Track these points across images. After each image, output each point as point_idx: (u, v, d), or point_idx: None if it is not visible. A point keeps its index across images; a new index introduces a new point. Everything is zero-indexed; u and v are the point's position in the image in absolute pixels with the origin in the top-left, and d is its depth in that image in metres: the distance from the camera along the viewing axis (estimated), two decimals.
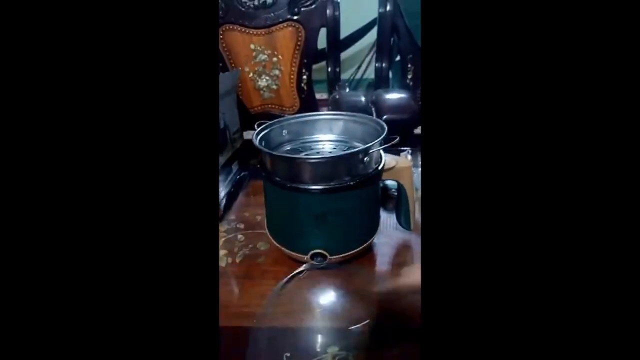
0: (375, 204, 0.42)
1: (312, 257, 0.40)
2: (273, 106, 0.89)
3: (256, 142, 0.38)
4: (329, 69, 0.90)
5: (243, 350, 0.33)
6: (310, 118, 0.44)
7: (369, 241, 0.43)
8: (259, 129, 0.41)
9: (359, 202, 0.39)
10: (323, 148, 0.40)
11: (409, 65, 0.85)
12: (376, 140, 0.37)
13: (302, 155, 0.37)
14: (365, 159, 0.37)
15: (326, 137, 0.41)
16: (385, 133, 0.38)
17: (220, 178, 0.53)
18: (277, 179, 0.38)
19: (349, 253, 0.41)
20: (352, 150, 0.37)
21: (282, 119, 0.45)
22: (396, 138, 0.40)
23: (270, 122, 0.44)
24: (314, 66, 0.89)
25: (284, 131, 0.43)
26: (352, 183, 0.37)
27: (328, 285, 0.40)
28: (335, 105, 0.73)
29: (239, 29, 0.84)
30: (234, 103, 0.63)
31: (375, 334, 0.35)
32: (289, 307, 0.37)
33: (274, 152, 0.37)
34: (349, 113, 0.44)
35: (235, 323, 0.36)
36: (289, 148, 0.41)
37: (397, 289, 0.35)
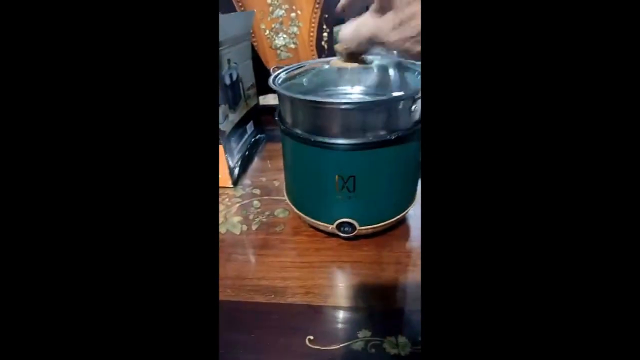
0: (415, 167, 0.35)
1: (339, 227, 0.34)
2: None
3: (274, 84, 0.32)
4: None
5: (259, 329, 0.28)
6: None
7: (406, 211, 0.36)
8: (276, 72, 0.35)
9: (397, 163, 0.32)
10: (349, 97, 0.33)
11: None
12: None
13: (329, 99, 0.30)
14: (412, 107, 0.29)
15: (360, 85, 0.33)
16: None
17: (233, 139, 0.47)
18: (299, 132, 0.32)
19: (382, 224, 0.35)
20: (395, 95, 0.29)
21: (302, 63, 0.38)
22: None
23: (289, 66, 0.37)
24: (335, 28, 0.79)
25: (304, 79, 0.36)
26: (391, 138, 0.30)
27: (355, 260, 0.34)
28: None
29: None
30: (247, 52, 0.55)
31: (414, 318, 0.29)
32: (311, 282, 0.32)
33: (297, 96, 0.30)
34: (390, 56, 0.36)
35: (250, 298, 0.31)
36: (307, 96, 0.34)
37: None
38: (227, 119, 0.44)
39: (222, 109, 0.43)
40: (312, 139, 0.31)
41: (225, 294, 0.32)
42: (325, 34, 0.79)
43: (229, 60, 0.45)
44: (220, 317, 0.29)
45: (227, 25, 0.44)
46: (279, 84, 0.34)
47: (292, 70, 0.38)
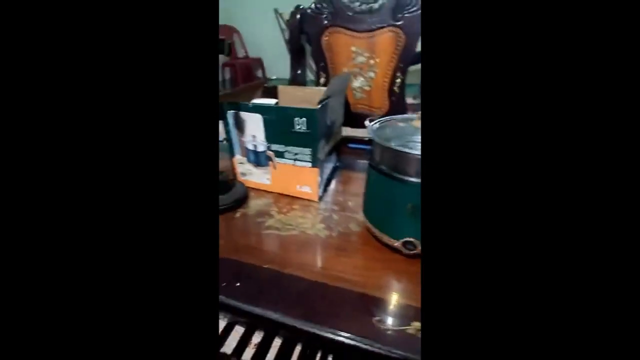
0: None
1: (404, 243, 0.44)
2: (363, 106, 0.95)
3: (371, 134, 0.45)
4: None
5: (337, 306, 0.39)
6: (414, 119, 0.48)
7: None
8: (372, 123, 0.48)
9: None
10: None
11: None
12: None
13: (407, 150, 0.42)
14: None
15: None
16: None
17: (325, 164, 0.62)
18: (383, 168, 0.44)
19: None
20: None
21: (389, 117, 0.51)
22: None
23: (380, 119, 0.50)
24: (411, 68, 0.91)
25: (387, 129, 0.48)
26: None
27: (412, 273, 0.44)
28: None
29: (344, 32, 0.91)
30: (342, 102, 0.72)
31: None
32: (377, 281, 0.43)
33: (387, 144, 0.42)
34: None
35: (332, 283, 0.43)
36: (393, 144, 0.46)
37: None
38: (323, 150, 0.59)
39: (322, 142, 0.58)
40: (394, 174, 0.43)
41: (316, 277, 0.44)
42: (398, 80, 0.91)
43: (331, 108, 0.61)
44: (315, 293, 0.41)
45: (334, 84, 0.60)
46: (374, 131, 0.46)
47: (384, 122, 0.50)
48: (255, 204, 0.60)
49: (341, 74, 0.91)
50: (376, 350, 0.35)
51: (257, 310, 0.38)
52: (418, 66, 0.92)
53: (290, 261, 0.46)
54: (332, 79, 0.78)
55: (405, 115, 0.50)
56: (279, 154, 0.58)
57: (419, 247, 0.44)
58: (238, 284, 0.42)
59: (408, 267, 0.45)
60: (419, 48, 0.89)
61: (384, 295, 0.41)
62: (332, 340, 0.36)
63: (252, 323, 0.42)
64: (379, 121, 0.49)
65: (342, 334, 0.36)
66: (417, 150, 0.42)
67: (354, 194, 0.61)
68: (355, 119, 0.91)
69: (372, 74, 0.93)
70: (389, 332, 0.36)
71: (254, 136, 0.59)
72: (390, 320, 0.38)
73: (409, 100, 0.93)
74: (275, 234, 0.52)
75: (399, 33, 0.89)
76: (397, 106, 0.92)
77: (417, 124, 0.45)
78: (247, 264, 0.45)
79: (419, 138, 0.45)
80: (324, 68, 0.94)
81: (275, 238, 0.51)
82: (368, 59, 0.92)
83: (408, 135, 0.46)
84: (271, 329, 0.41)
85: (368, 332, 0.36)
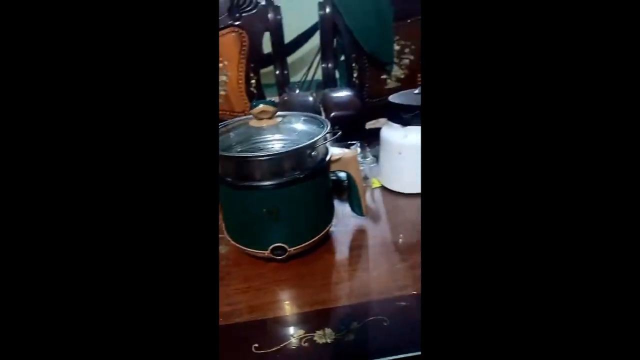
0: (327, 194, 0.45)
1: (273, 251, 0.41)
2: (224, 112, 0.89)
3: None
4: (277, 72, 0.92)
5: None
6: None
7: (325, 230, 0.45)
8: None
9: (311, 194, 0.42)
10: (272, 147, 0.42)
11: (353, 64, 0.90)
12: (320, 135, 0.40)
13: (251, 154, 0.39)
14: (312, 152, 0.39)
15: (274, 137, 0.43)
16: (328, 128, 0.41)
17: None
18: (229, 179, 0.39)
19: (308, 243, 0.43)
20: (298, 146, 0.39)
21: (228, 121, 0.46)
22: (339, 132, 0.44)
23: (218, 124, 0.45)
24: (263, 70, 0.90)
25: (231, 134, 0.44)
26: (301, 176, 0.39)
27: (291, 276, 0.42)
28: (285, 106, 0.75)
29: None
30: None
31: (338, 312, 0.37)
32: (254, 302, 0.39)
33: (225, 153, 0.38)
34: (293, 112, 0.47)
35: None
36: (239, 149, 0.42)
37: None
38: None
39: None
40: (241, 184, 0.39)
41: None
42: (253, 81, 0.89)
43: None
44: None
45: None
46: None
47: (220, 128, 0.45)
48: None
49: None
50: None
51: None
52: (271, 68, 0.92)
53: None
54: None
55: (241, 118, 0.47)
56: None
57: (290, 249, 0.42)
58: None
59: (285, 273, 0.43)
60: (267, 49, 0.89)
61: (262, 314, 0.37)
62: None
63: None
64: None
65: None
66: (259, 152, 0.40)
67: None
68: None
69: (224, 77, 0.87)
70: (271, 353, 0.33)
71: None
72: (272, 339, 0.34)
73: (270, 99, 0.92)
74: None
75: (241, 33, 0.86)
76: None
77: (257, 123, 0.42)
78: None
79: (262, 138, 0.43)
80: None
81: None
82: None
83: (250, 137, 0.43)
84: None
85: None
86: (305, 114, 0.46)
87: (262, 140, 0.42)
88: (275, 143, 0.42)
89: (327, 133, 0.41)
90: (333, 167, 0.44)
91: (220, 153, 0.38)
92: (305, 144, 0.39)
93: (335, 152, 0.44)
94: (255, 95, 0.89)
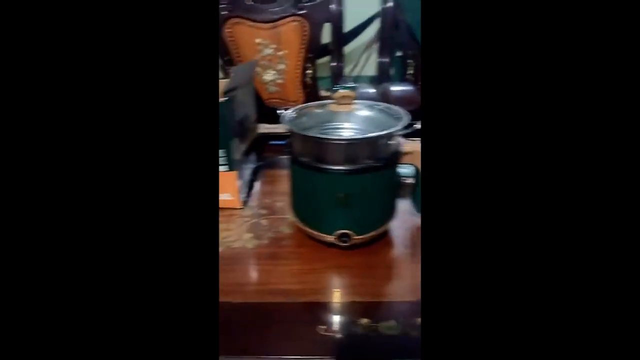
0: (394, 187, 0.44)
1: (339, 237, 0.41)
2: (278, 100, 0.91)
3: (287, 124, 0.40)
4: (334, 64, 0.92)
5: (277, 324, 0.34)
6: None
7: (388, 223, 0.45)
8: (286, 112, 0.43)
9: (382, 184, 0.41)
10: (348, 133, 0.42)
11: (409, 60, 0.88)
12: (399, 125, 0.39)
13: (327, 136, 0.39)
14: (388, 142, 0.39)
15: (347, 125, 0.43)
16: (407, 119, 0.41)
17: (243, 166, 0.54)
18: (305, 160, 0.40)
19: (371, 234, 0.43)
20: (378, 133, 0.39)
21: (305, 105, 0.47)
22: (416, 123, 0.43)
23: (295, 107, 0.46)
24: (319, 61, 0.90)
25: (308, 116, 0.45)
26: (376, 165, 0.39)
27: (353, 264, 0.42)
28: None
29: (245, 22, 0.84)
30: (251, 93, 0.64)
31: (401, 307, 0.37)
32: (317, 284, 0.39)
33: (307, 133, 0.38)
34: (369, 102, 0.46)
35: (269, 299, 0.37)
36: (316, 131, 0.42)
37: None
38: (238, 149, 0.52)
39: (235, 141, 0.50)
40: (316, 165, 0.39)
41: (250, 296, 0.38)
42: (309, 72, 0.89)
43: (239, 101, 0.53)
44: (251, 315, 0.35)
45: (238, 74, 0.52)
46: (290, 121, 0.42)
47: (300, 110, 0.46)
48: None
49: (245, 63, 0.84)
50: None
51: None
52: (327, 59, 0.92)
53: None
54: (233, 69, 0.69)
55: (321, 102, 0.47)
56: None
57: (355, 237, 0.42)
58: None
59: (347, 260, 0.43)
60: (324, 39, 0.89)
61: (326, 297, 0.37)
62: None
63: None
64: (294, 110, 0.45)
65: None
66: (337, 136, 0.40)
67: (282, 194, 0.56)
68: (271, 115, 0.86)
69: (283, 66, 0.89)
70: (338, 337, 0.33)
71: None
72: (337, 324, 0.34)
73: (323, 94, 0.92)
74: None
75: (303, 22, 0.87)
76: (311, 98, 0.90)
77: (335, 108, 0.42)
78: None
79: (338, 123, 0.43)
80: (229, 62, 0.86)
81: None
82: (275, 50, 0.88)
83: (327, 121, 0.43)
84: None
85: (314, 347, 0.32)
86: (381, 104, 0.46)
87: (338, 125, 0.42)
88: (350, 129, 0.42)
89: (408, 124, 0.40)
90: (403, 160, 0.43)
91: (299, 132, 0.39)
92: (385, 132, 0.39)
93: (406, 145, 0.43)
94: (310, 87, 0.90)
